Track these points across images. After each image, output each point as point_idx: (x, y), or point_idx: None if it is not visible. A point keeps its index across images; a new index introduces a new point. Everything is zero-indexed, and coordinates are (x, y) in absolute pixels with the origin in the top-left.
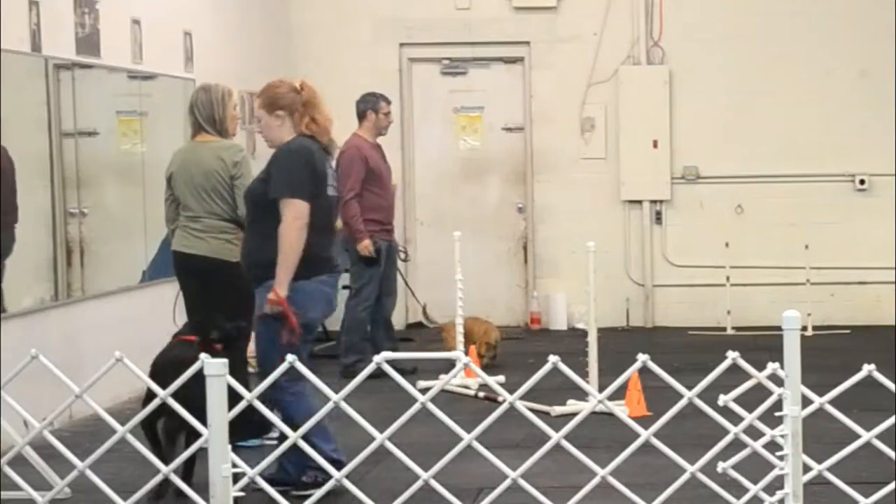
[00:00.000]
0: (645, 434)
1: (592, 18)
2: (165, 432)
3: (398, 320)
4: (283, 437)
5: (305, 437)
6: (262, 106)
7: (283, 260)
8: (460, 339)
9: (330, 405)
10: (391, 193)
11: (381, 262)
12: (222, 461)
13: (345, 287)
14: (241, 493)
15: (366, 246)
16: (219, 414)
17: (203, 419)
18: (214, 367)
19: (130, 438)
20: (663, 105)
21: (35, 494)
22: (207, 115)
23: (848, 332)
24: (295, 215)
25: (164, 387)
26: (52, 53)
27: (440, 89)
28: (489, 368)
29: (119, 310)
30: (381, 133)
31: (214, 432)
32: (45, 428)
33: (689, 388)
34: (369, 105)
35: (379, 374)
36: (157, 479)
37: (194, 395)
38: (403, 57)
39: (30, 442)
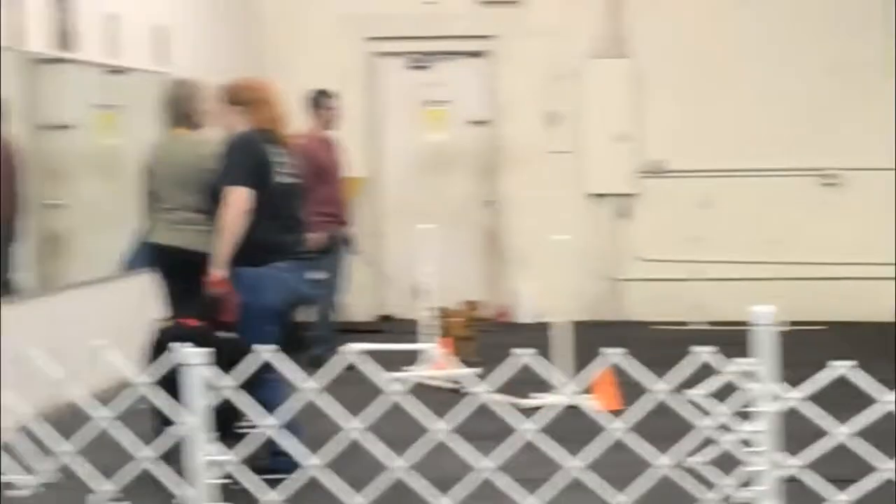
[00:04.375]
0: (611, 427)
1: (557, 12)
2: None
3: (369, 313)
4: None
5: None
6: (225, 100)
7: (220, 242)
8: (431, 331)
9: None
10: (338, 186)
11: (333, 251)
12: (202, 449)
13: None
14: (228, 481)
15: (317, 238)
16: (198, 402)
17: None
18: (193, 357)
19: (110, 427)
20: (629, 98)
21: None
22: (181, 110)
23: (825, 328)
24: (234, 201)
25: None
26: (30, 48)
27: (406, 83)
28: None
29: (97, 300)
30: (328, 127)
31: (193, 420)
32: (28, 416)
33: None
34: (313, 101)
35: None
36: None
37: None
38: (369, 51)
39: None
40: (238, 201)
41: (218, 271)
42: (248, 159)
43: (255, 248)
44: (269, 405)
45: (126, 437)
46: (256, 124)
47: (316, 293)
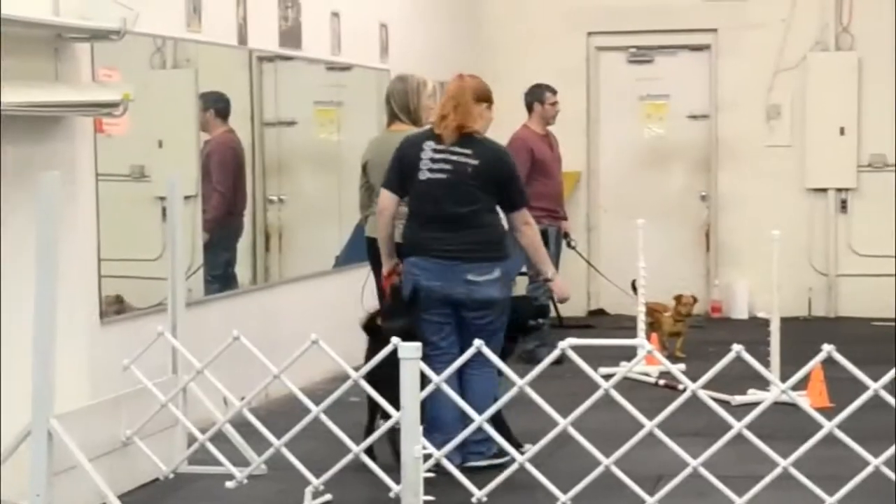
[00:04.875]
0: (828, 425)
1: (780, 5)
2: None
3: (580, 308)
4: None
5: (490, 419)
6: (483, 100)
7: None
8: (642, 326)
9: (515, 390)
10: (558, 182)
11: (549, 246)
12: (414, 442)
13: (521, 273)
14: (431, 474)
15: None
16: (411, 396)
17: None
18: (408, 351)
19: (324, 418)
20: (851, 92)
21: (234, 469)
22: (402, 105)
23: None
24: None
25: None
26: (257, 46)
27: (627, 77)
28: (670, 357)
29: (314, 294)
30: (548, 123)
31: (407, 414)
32: (243, 406)
33: (874, 379)
34: (535, 97)
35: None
36: (347, 459)
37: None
38: (591, 46)
39: (229, 419)
40: (378, 202)
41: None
42: (395, 162)
43: (403, 243)
44: (482, 398)
45: (339, 429)
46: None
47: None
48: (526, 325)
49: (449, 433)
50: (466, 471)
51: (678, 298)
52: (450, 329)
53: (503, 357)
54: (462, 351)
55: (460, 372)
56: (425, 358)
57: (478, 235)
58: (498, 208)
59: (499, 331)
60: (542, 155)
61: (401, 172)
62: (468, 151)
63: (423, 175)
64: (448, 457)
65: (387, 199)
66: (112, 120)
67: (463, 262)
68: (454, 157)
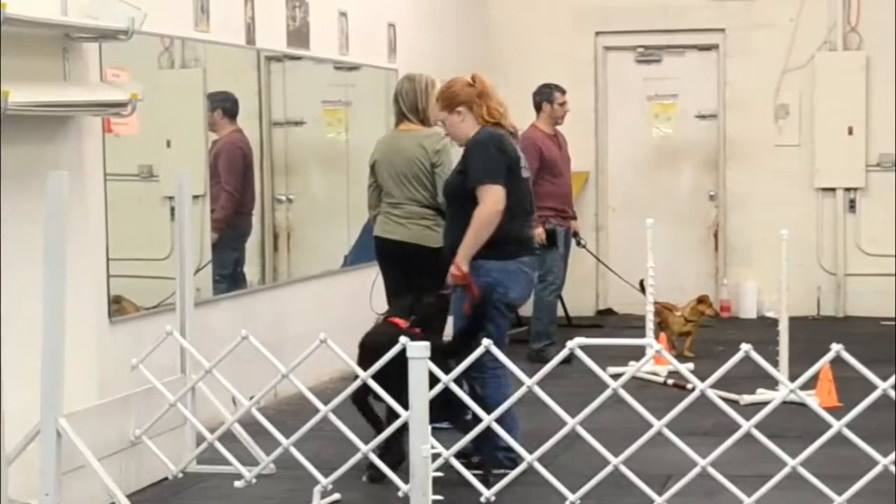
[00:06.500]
0: (837, 425)
1: (789, 4)
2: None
3: (588, 307)
4: (476, 418)
5: (500, 420)
6: (443, 108)
7: (471, 236)
8: (650, 325)
9: (524, 389)
10: (567, 181)
11: (559, 246)
12: (422, 442)
13: None
14: (439, 474)
15: (539, 234)
16: (420, 395)
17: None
18: (416, 350)
19: (332, 418)
20: (859, 91)
21: (242, 469)
22: (411, 104)
23: None
24: (494, 199)
25: (370, 365)
26: (265, 46)
27: (635, 77)
28: (679, 356)
29: (322, 293)
30: (557, 122)
31: (415, 413)
32: (252, 406)
33: (883, 378)
34: (544, 96)
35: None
36: (356, 458)
37: (405, 376)
38: (599, 45)
39: (238, 419)
40: (499, 199)
41: (463, 265)
42: (500, 155)
43: (505, 243)
44: (492, 399)
45: (347, 429)
46: (485, 121)
47: (539, 289)
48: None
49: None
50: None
51: (703, 298)
52: None
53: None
54: None
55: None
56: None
57: None
58: (509, 209)
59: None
60: (551, 155)
61: (509, 168)
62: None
63: (525, 173)
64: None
65: (504, 195)
66: (120, 120)
67: (536, 258)
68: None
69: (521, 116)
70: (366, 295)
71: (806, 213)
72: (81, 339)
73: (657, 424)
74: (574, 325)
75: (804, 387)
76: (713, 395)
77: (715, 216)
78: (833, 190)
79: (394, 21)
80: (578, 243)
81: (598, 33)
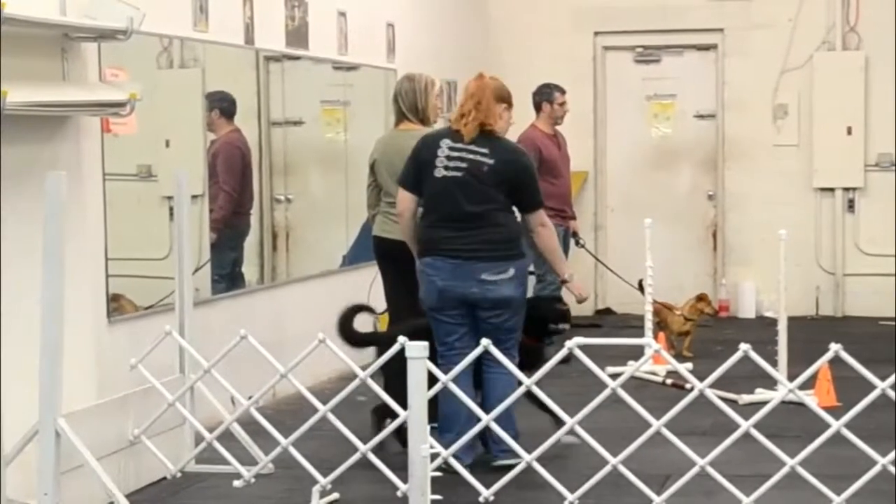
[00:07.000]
0: (836, 424)
1: (787, 4)
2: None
3: (587, 307)
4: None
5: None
6: (504, 102)
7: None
8: (649, 325)
9: (522, 389)
10: (566, 181)
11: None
12: (421, 441)
13: (530, 273)
14: (438, 473)
15: None
16: (419, 395)
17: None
18: (415, 350)
19: (331, 417)
20: (858, 91)
21: (241, 468)
22: (411, 104)
23: None
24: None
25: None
26: (263, 46)
27: (633, 77)
28: (678, 356)
29: (321, 293)
30: (557, 123)
31: (414, 413)
32: (251, 405)
33: (881, 378)
34: (544, 96)
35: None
36: (355, 458)
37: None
38: (598, 45)
39: (236, 418)
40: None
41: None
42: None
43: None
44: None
45: (346, 428)
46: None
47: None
48: (546, 327)
49: (461, 432)
50: (478, 469)
51: (702, 297)
52: (465, 329)
53: (531, 358)
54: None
55: (480, 372)
56: (439, 358)
57: (492, 234)
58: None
59: (514, 329)
60: (551, 154)
61: (417, 170)
62: (485, 150)
63: (439, 173)
64: (459, 455)
65: (405, 198)
66: (119, 119)
67: (477, 261)
68: (470, 156)
69: (520, 116)
70: (364, 295)
71: (805, 213)
72: (80, 339)
73: (656, 424)
74: (573, 325)
75: (803, 386)
76: (712, 394)
77: (713, 216)
78: (832, 190)
79: (393, 21)
80: (577, 243)
81: (597, 33)
